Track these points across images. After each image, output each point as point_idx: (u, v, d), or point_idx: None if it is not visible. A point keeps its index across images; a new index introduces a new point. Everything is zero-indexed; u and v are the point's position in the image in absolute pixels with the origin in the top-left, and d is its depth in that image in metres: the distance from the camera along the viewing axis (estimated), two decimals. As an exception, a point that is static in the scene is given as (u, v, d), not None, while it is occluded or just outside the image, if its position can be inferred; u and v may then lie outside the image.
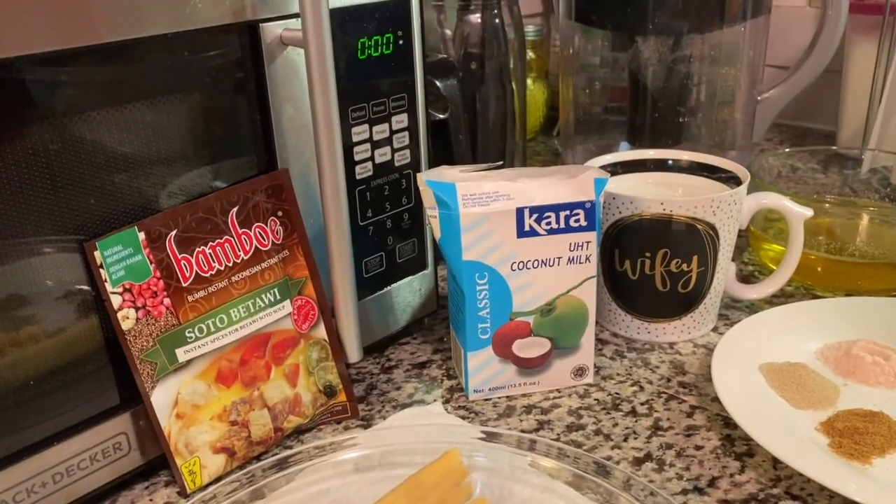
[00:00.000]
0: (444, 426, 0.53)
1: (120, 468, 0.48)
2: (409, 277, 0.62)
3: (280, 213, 0.51)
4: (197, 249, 0.48)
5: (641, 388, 0.58)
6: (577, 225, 0.54)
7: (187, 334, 0.48)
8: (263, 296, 0.51)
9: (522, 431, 0.54)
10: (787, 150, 0.82)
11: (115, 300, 0.45)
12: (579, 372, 0.58)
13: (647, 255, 0.60)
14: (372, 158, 0.56)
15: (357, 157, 0.55)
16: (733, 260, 0.64)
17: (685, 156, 0.68)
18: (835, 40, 0.88)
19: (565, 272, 0.55)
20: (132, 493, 0.50)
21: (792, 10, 1.10)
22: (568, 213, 0.53)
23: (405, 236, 0.61)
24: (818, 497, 0.47)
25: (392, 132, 0.57)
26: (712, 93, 0.90)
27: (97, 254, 0.44)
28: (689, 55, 0.86)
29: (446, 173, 0.54)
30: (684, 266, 0.60)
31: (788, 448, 0.47)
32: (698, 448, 0.52)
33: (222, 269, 0.49)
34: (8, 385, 0.43)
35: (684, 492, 0.48)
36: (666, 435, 0.53)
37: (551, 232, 0.53)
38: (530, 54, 1.09)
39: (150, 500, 0.49)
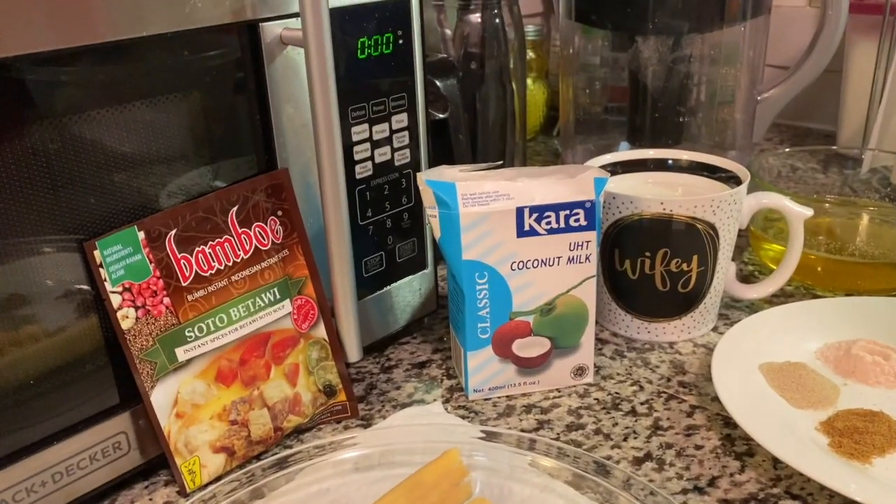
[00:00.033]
0: (444, 426, 0.53)
1: (119, 467, 0.48)
2: (409, 277, 0.62)
3: (280, 213, 0.51)
4: (197, 249, 0.48)
5: (641, 388, 0.58)
6: (576, 224, 0.54)
7: (187, 333, 0.48)
8: (263, 295, 0.51)
9: (522, 431, 0.54)
10: (787, 149, 0.82)
11: (115, 299, 0.45)
12: (579, 371, 0.58)
13: (647, 254, 0.60)
14: (372, 158, 0.56)
15: (357, 157, 0.55)
16: (733, 260, 0.64)
17: (685, 155, 0.68)
18: (835, 40, 0.88)
19: (565, 272, 0.55)
20: (132, 493, 0.50)
21: (792, 9, 1.10)
22: (568, 212, 0.53)
23: (405, 236, 0.61)
24: (818, 497, 0.47)
25: (392, 132, 0.57)
26: (712, 93, 0.90)
27: (97, 253, 0.44)
28: (689, 55, 0.86)
29: (446, 173, 0.54)
30: (684, 266, 0.60)
31: (788, 448, 0.47)
32: (698, 448, 0.52)
33: (222, 268, 0.49)
34: (8, 384, 0.43)
35: (684, 491, 0.48)
36: (666, 434, 0.53)
37: (551, 231, 0.53)
38: (530, 54, 1.09)
39: (150, 499, 0.49)
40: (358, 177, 0.56)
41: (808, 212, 0.62)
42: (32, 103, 0.41)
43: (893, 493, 0.44)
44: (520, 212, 0.53)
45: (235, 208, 0.49)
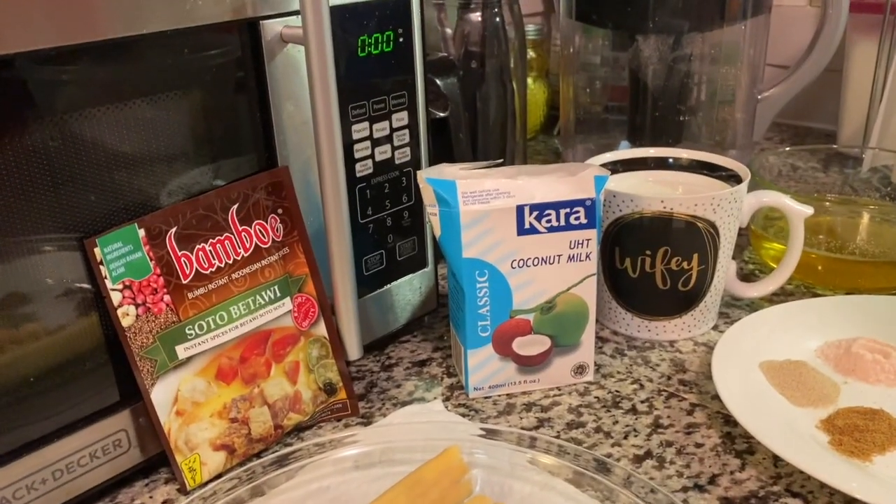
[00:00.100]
0: (445, 423, 0.53)
1: (120, 465, 0.48)
2: (410, 275, 0.62)
3: (280, 211, 0.51)
4: (197, 246, 0.48)
5: (642, 386, 0.58)
6: (577, 222, 0.54)
7: (187, 331, 0.48)
8: (263, 293, 0.51)
9: (522, 429, 0.54)
10: (788, 148, 0.82)
11: (115, 297, 0.45)
12: (579, 370, 0.58)
13: (648, 253, 0.60)
14: (372, 156, 0.56)
15: (357, 155, 0.55)
16: (734, 258, 0.64)
17: (685, 154, 0.68)
18: (835, 39, 0.88)
19: (565, 270, 0.55)
20: (132, 490, 0.50)
21: (792, 9, 1.10)
22: (568, 210, 0.53)
23: (405, 234, 0.61)
24: (818, 494, 0.47)
25: (392, 130, 0.57)
26: (713, 92, 0.90)
27: (97, 250, 0.44)
28: (689, 54, 0.86)
29: (446, 171, 0.54)
30: (685, 264, 0.60)
31: (789, 445, 0.47)
32: (699, 446, 0.52)
33: (222, 266, 0.49)
34: (8, 382, 0.43)
35: (685, 489, 0.48)
36: (666, 433, 0.53)
37: (551, 230, 0.53)
38: (531, 53, 1.09)
39: (150, 497, 0.49)
40: (358, 175, 0.56)
41: (809, 210, 0.62)
42: (33, 101, 0.41)
43: (894, 490, 0.44)
44: (520, 210, 0.53)
45: (236, 206, 0.49)
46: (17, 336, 0.43)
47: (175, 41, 0.45)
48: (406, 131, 0.58)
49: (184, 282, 0.48)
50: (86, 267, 0.45)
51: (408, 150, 0.58)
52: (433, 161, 0.60)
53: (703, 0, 0.81)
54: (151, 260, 0.46)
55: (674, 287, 0.61)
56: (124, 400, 0.48)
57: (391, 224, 0.59)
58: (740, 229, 0.63)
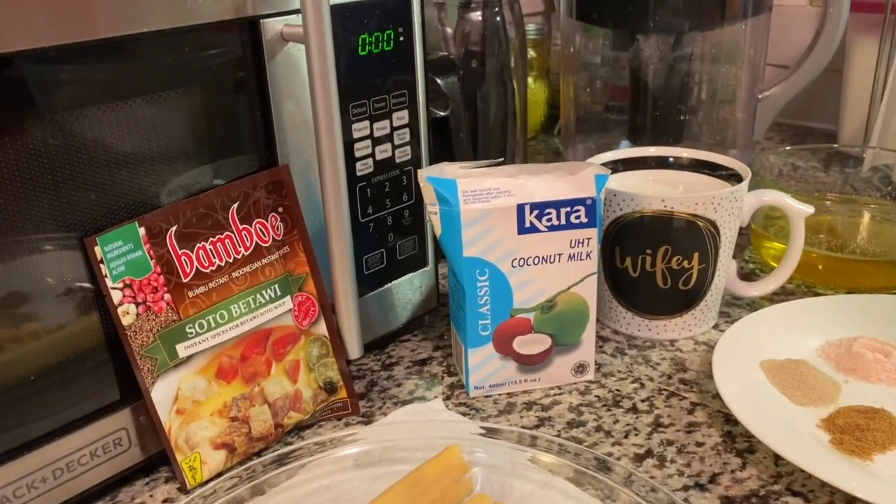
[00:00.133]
0: (445, 422, 0.53)
1: (120, 464, 0.48)
2: (410, 274, 0.62)
3: (280, 210, 0.51)
4: (197, 245, 0.48)
5: (642, 385, 0.58)
6: (577, 221, 0.54)
7: (188, 330, 0.48)
8: (264, 292, 0.51)
9: (523, 428, 0.54)
10: (788, 148, 0.82)
11: (116, 295, 0.45)
12: (580, 369, 0.58)
13: (648, 252, 0.60)
14: (373, 155, 0.56)
15: (358, 154, 0.55)
16: (734, 257, 0.64)
17: (686, 153, 0.68)
18: (836, 39, 0.88)
19: (566, 269, 0.55)
20: (132, 489, 0.50)
21: (793, 8, 1.10)
22: (569, 209, 0.53)
23: (406, 233, 0.60)
24: (819, 493, 0.47)
25: (393, 129, 0.57)
26: (713, 91, 0.90)
27: (97, 249, 0.44)
28: (690, 53, 0.86)
29: (447, 170, 0.54)
30: (685, 263, 0.60)
31: (790, 444, 0.47)
32: (699, 444, 0.52)
33: (223, 264, 0.49)
34: (9, 381, 0.43)
35: (685, 488, 0.48)
36: (667, 431, 0.53)
37: (552, 228, 0.53)
38: (531, 53, 1.09)
39: (151, 495, 0.49)
40: (359, 174, 0.56)
41: (810, 209, 0.62)
42: (33, 100, 0.41)
43: (894, 489, 0.44)
44: (521, 208, 0.53)
45: (236, 205, 0.49)
46: (18, 335, 0.43)
47: (175, 40, 0.45)
48: (406, 130, 0.58)
49: (184, 280, 0.48)
50: (86, 265, 0.45)
51: (408, 148, 0.58)
52: (434, 160, 0.60)
53: (703, -1, 0.81)
54: (152, 258, 0.46)
55: (674, 286, 0.61)
56: (125, 398, 0.48)
57: (392, 223, 0.59)
58: (741, 228, 0.63)
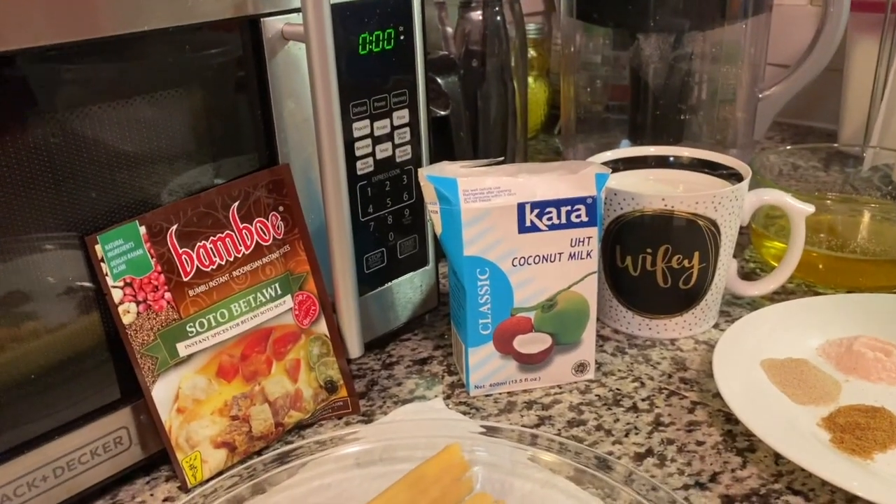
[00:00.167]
0: (446, 421, 0.53)
1: (121, 463, 0.48)
2: (410, 273, 0.62)
3: (281, 209, 0.51)
4: (198, 244, 0.48)
5: (643, 384, 0.58)
6: (578, 220, 0.54)
7: (188, 329, 0.48)
8: (264, 291, 0.51)
9: (523, 427, 0.54)
10: (789, 147, 0.82)
11: (116, 294, 0.45)
12: (580, 368, 0.58)
13: (649, 251, 0.60)
14: (373, 154, 0.56)
15: (358, 153, 0.55)
16: (735, 257, 0.64)
17: (686, 152, 0.68)
18: (836, 38, 0.88)
19: (566, 268, 0.55)
20: (133, 488, 0.50)
21: (793, 7, 1.10)
22: (569, 208, 0.53)
23: (406, 232, 0.60)
24: (820, 492, 0.47)
25: (393, 128, 0.57)
26: (713, 91, 0.90)
27: (98, 247, 0.44)
28: (690, 53, 0.86)
29: (447, 169, 0.54)
30: (686, 262, 0.60)
31: (790, 443, 0.47)
32: (700, 443, 0.52)
33: (223, 263, 0.49)
34: (9, 380, 0.43)
35: (686, 487, 0.48)
36: (667, 431, 0.53)
37: (552, 227, 0.53)
38: (531, 52, 1.09)
39: (151, 494, 0.49)
40: (359, 173, 0.56)
41: (810, 208, 0.62)
42: (34, 98, 0.41)
43: (895, 488, 0.44)
44: (521, 207, 0.53)
45: (237, 203, 0.49)
46: (19, 334, 0.43)
47: (176, 38, 0.45)
48: (407, 129, 0.58)
49: (185, 279, 0.48)
50: (87, 264, 0.45)
51: (409, 147, 0.58)
52: (434, 159, 0.60)
53: (703, -1, 0.81)
54: (152, 257, 0.46)
55: (675, 285, 0.61)
56: (125, 397, 0.48)
57: (392, 222, 0.59)
58: (741, 228, 0.63)
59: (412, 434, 0.50)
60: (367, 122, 0.55)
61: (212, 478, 0.49)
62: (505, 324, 0.56)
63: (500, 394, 0.58)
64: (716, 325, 0.65)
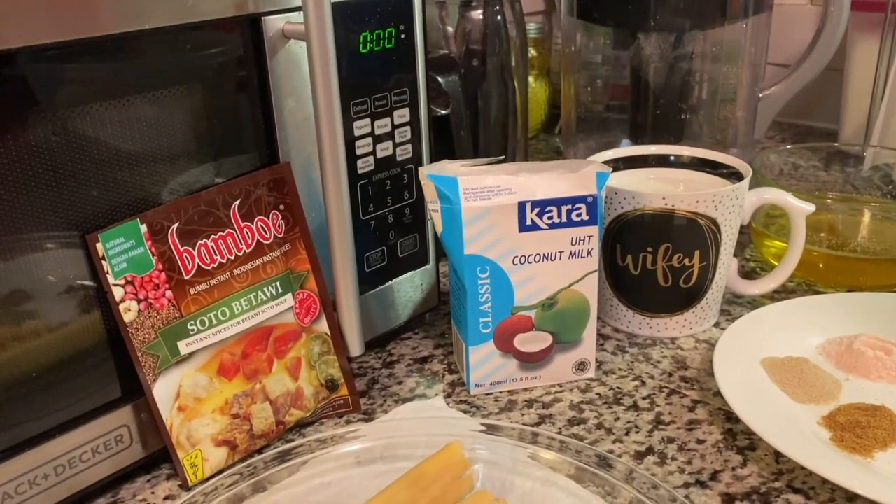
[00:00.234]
0: (446, 419, 0.53)
1: (121, 461, 0.48)
2: (411, 272, 0.62)
3: (282, 207, 0.51)
4: (199, 242, 0.48)
5: (643, 383, 0.58)
6: (578, 219, 0.54)
7: (189, 327, 0.48)
8: (265, 289, 0.51)
9: (524, 425, 0.54)
10: (789, 146, 0.82)
11: (117, 292, 0.45)
12: (581, 366, 0.58)
13: (649, 249, 0.60)
14: (374, 153, 0.56)
15: (359, 152, 0.55)
16: (735, 256, 0.64)
17: (687, 151, 0.68)
18: (836, 38, 0.88)
19: (567, 266, 0.55)
20: (134, 486, 0.50)
21: (793, 7, 1.10)
22: (570, 207, 0.53)
23: (407, 231, 0.61)
24: (820, 490, 0.47)
25: (394, 126, 0.57)
26: (714, 90, 0.90)
27: (99, 246, 0.44)
28: (690, 52, 0.86)
29: (448, 167, 0.54)
30: (686, 261, 0.60)
31: (790, 442, 0.47)
32: (700, 442, 0.52)
33: (224, 262, 0.49)
34: (11, 378, 0.43)
35: (686, 485, 0.48)
36: (668, 429, 0.53)
37: (553, 226, 0.54)
38: (532, 52, 1.09)
39: (152, 492, 0.49)
40: (360, 171, 0.56)
41: (811, 207, 0.62)
42: (35, 97, 0.41)
43: (895, 486, 0.44)
44: (521, 206, 0.53)
45: (237, 202, 0.49)
46: (20, 332, 0.43)
47: (177, 37, 0.45)
48: (407, 128, 0.58)
49: (185, 277, 0.48)
50: (88, 263, 0.45)
51: (409, 146, 0.58)
52: (434, 158, 0.60)
53: (704, -2, 0.81)
54: (153, 255, 0.46)
55: (675, 284, 0.61)
56: (126, 396, 0.48)
57: (392, 221, 0.59)
58: (741, 227, 0.63)
59: (413, 432, 0.50)
60: (367, 120, 0.55)
61: (212, 476, 0.49)
62: (505, 322, 0.56)
63: (501, 392, 0.58)
64: (716, 324, 0.65)
